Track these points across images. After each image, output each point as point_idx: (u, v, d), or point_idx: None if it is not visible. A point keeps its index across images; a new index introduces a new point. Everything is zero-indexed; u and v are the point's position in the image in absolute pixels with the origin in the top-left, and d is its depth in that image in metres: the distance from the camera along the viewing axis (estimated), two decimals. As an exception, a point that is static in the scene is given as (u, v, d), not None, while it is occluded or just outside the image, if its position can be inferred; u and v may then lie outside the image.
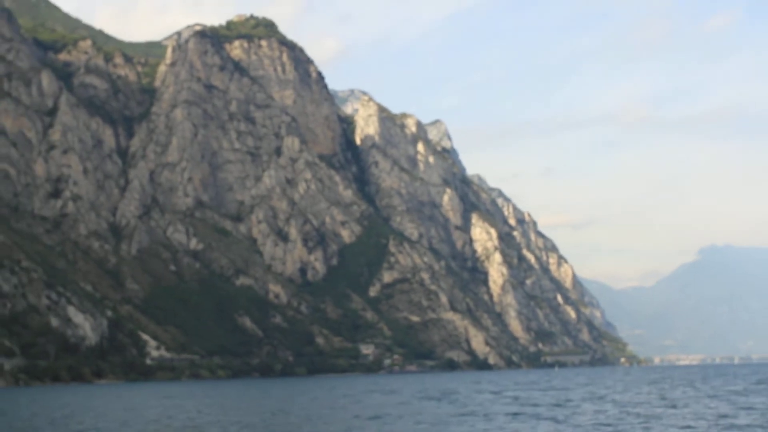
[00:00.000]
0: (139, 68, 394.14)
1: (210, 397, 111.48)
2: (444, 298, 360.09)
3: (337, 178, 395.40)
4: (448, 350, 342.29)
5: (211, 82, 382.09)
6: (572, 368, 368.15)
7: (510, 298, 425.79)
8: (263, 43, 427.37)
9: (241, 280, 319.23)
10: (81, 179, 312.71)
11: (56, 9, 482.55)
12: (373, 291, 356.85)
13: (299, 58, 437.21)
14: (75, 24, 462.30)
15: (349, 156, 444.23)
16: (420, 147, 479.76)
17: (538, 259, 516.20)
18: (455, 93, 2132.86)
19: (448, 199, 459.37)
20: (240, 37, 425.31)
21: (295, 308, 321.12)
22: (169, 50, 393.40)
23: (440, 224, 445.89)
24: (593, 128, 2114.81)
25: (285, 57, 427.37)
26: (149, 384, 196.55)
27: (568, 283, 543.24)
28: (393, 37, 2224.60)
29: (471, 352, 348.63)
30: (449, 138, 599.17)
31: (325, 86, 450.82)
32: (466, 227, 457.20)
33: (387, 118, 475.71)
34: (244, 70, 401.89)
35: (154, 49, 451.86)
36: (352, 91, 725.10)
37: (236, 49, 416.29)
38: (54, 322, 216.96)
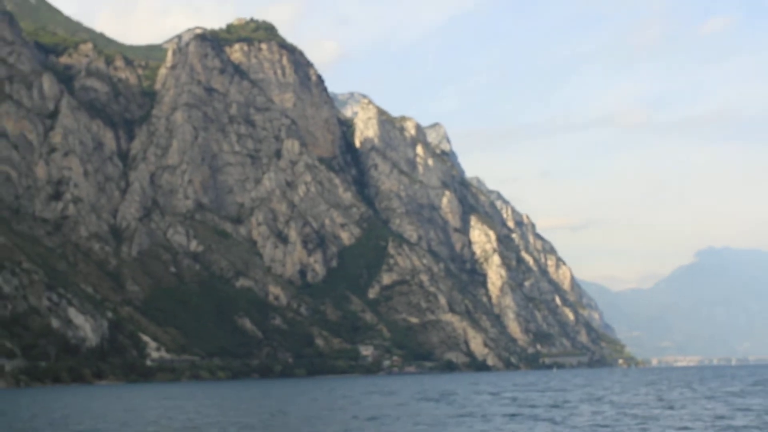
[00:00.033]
0: (140, 71, 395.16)
1: (209, 398, 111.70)
2: (443, 300, 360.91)
3: (337, 181, 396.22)
4: (446, 352, 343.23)
5: (212, 85, 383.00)
6: (570, 369, 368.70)
7: (508, 300, 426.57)
8: (263, 46, 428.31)
9: (241, 282, 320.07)
10: (82, 181, 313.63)
11: (57, 12, 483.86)
12: (372, 293, 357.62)
13: (299, 61, 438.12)
14: (76, 27, 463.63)
15: (349, 159, 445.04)
16: (419, 150, 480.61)
17: (536, 261, 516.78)
18: (454, 96, 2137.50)
19: (447, 201, 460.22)
20: (240, 40, 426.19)
21: (295, 310, 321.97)
22: (170, 53, 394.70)
23: (439, 226, 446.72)
24: (592, 130, 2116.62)
25: (285, 60, 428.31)
26: (149, 385, 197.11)
27: (566, 285, 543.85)
28: (392, 40, 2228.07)
29: (470, 353, 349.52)
30: (448, 141, 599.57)
31: (324, 89, 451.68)
32: (464, 229, 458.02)
33: (386, 121, 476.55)
34: (244, 73, 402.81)
35: (154, 52, 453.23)
36: (351, 94, 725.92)
37: (236, 53, 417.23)
38: (55, 323, 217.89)
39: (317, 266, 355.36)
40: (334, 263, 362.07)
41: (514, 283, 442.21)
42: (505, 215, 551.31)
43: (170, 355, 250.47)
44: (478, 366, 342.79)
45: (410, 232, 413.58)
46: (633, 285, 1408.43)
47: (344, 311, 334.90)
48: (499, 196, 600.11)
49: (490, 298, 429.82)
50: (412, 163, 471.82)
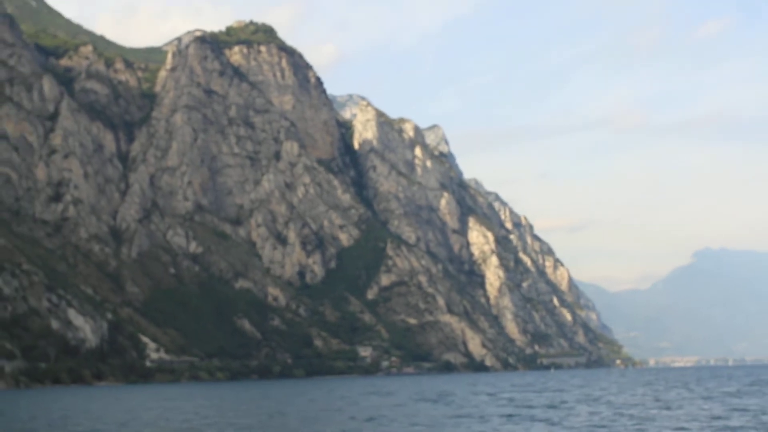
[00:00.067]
0: (140, 73, 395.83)
1: (208, 398, 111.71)
2: (441, 301, 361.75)
3: (336, 182, 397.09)
4: (445, 352, 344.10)
5: (211, 87, 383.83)
6: (568, 370, 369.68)
7: (506, 301, 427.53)
8: (262, 48, 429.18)
9: (240, 283, 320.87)
10: (82, 183, 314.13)
11: (58, 15, 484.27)
12: (370, 294, 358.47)
13: (298, 64, 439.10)
14: (76, 30, 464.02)
15: (348, 160, 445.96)
16: (417, 151, 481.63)
17: (534, 262, 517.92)
18: (452, 98, 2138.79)
19: (445, 202, 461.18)
20: (239, 42, 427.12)
21: (294, 311, 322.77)
22: (170, 56, 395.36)
23: (437, 228, 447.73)
24: (589, 132, 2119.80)
25: (284, 62, 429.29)
26: (149, 386, 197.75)
27: (564, 285, 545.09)
28: (391, 43, 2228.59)
29: (468, 354, 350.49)
30: (446, 142, 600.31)
31: (323, 91, 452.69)
32: (463, 231, 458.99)
33: (385, 123, 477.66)
34: (243, 76, 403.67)
35: (154, 54, 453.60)
36: (350, 96, 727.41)
37: (236, 55, 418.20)
38: (54, 324, 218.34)
39: (316, 267, 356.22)
40: (332, 264, 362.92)
41: (512, 283, 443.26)
42: (503, 216, 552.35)
43: (169, 356, 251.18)
44: (476, 367, 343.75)
45: (409, 233, 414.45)
46: (630, 286, 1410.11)
47: (343, 312, 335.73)
48: (497, 198, 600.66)
49: (488, 298, 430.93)
50: (411, 165, 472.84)
